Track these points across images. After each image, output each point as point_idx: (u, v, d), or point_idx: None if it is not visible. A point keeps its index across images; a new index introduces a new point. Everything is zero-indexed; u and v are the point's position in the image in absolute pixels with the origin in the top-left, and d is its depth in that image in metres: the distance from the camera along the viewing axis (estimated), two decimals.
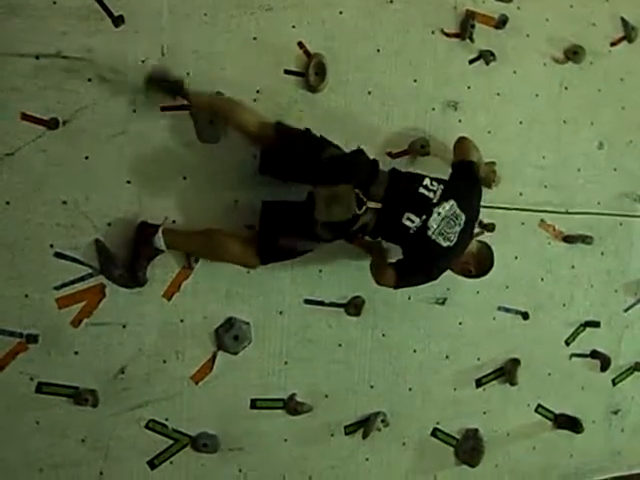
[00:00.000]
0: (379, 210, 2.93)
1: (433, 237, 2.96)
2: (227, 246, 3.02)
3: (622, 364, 4.32)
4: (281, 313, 3.34)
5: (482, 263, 3.24)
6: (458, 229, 3.00)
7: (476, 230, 3.31)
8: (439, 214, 2.96)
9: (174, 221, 3.06)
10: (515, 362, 3.87)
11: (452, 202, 2.99)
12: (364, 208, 2.89)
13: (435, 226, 2.95)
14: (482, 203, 3.20)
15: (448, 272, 3.20)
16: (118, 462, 3.13)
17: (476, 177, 3.20)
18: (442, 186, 3.02)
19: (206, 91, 3.04)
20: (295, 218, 2.96)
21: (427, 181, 3.02)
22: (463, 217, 3.01)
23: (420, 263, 3.07)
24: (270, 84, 3.19)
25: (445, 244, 2.98)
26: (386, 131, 3.45)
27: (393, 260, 3.16)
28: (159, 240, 2.95)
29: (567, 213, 3.96)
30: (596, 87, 3.97)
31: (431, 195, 2.98)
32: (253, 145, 3.07)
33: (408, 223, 2.95)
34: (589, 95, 3.96)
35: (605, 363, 4.15)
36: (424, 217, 2.95)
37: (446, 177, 3.16)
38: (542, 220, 3.90)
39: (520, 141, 3.78)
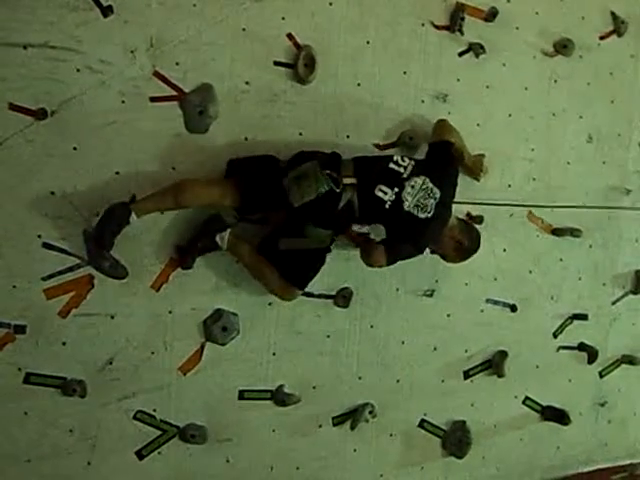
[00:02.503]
0: (357, 186, 2.98)
1: (410, 210, 3.01)
2: (272, 278, 3.13)
3: (609, 356, 4.35)
4: (270, 304, 3.34)
5: (472, 237, 3.28)
6: (433, 202, 3.04)
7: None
8: (412, 187, 3.01)
9: (162, 213, 3.05)
10: (503, 354, 3.89)
11: (424, 178, 3.05)
12: (341, 186, 2.95)
13: (410, 199, 3.01)
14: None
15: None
16: (106, 452, 3.14)
17: (451, 155, 3.23)
18: (413, 162, 3.08)
19: (197, 82, 3.05)
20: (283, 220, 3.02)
21: (397, 157, 3.09)
22: (438, 192, 3.06)
23: (404, 238, 3.10)
24: (259, 75, 3.18)
25: (422, 215, 3.03)
26: (375, 123, 3.45)
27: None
28: (222, 240, 3.05)
29: (555, 206, 3.98)
30: (585, 80, 3.98)
31: (401, 170, 3.04)
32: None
33: (381, 195, 2.99)
34: (578, 88, 3.96)
35: (592, 355, 4.17)
36: (396, 190, 3.00)
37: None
38: (530, 212, 3.91)
39: (509, 134, 3.79)
